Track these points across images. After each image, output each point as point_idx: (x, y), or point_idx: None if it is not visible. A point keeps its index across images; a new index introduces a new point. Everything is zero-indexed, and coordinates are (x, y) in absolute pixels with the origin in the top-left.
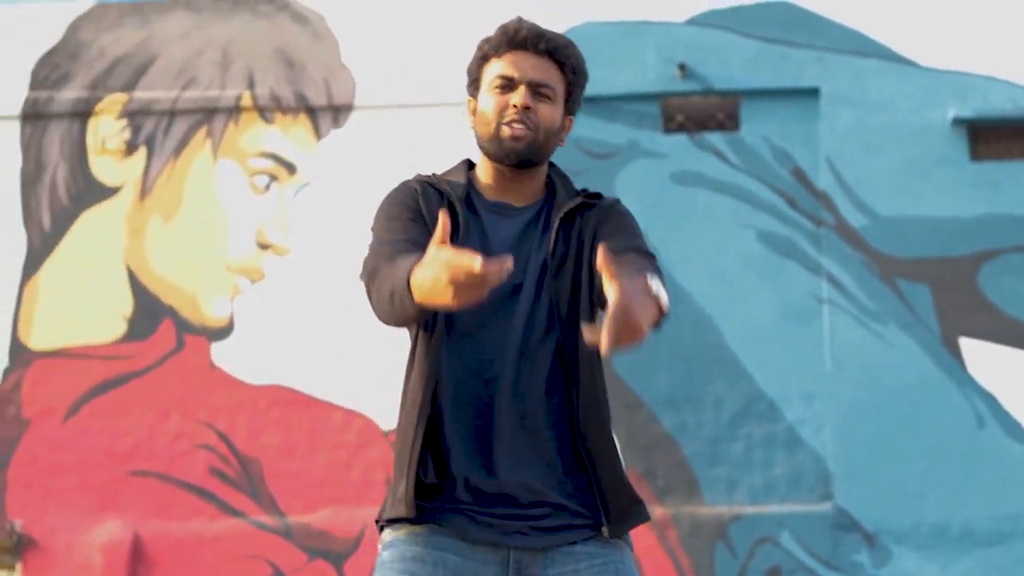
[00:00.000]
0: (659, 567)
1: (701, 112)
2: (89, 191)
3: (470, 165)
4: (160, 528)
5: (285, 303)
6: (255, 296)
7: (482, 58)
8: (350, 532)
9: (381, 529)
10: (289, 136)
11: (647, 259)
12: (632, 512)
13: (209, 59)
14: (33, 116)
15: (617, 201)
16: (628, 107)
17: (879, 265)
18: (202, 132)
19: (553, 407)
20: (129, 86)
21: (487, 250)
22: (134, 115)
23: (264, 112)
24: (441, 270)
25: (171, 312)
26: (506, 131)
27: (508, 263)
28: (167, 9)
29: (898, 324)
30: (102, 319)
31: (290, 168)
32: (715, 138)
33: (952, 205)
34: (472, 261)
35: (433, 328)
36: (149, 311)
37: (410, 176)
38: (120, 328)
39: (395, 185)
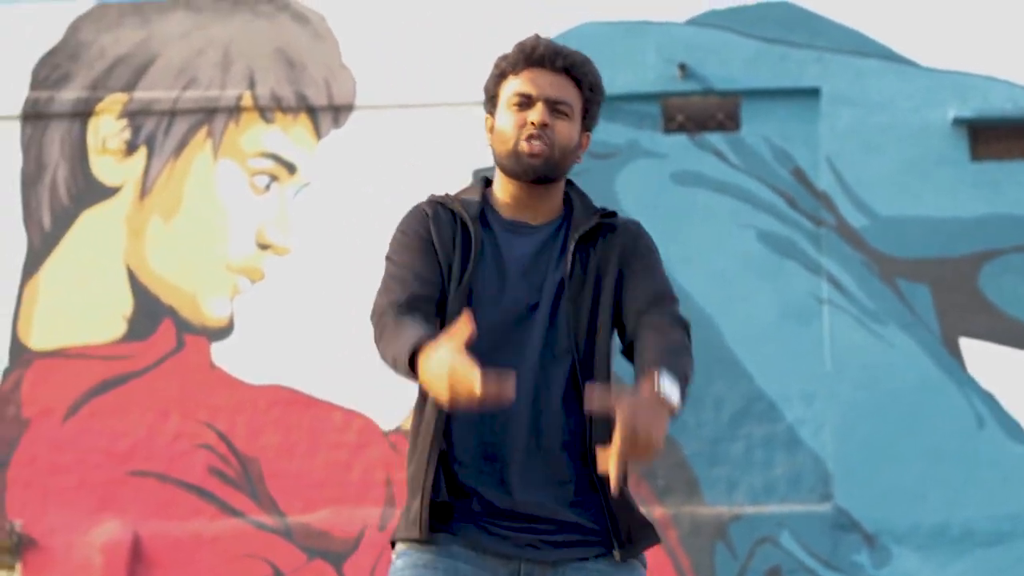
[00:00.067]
0: (659, 567)
1: (701, 112)
2: (89, 191)
3: (487, 183)
4: (160, 528)
5: (285, 303)
6: (255, 296)
7: (499, 75)
8: (350, 532)
9: (393, 544)
10: (289, 136)
11: (671, 324)
12: (643, 534)
13: (209, 59)
14: (33, 116)
15: (638, 226)
16: (628, 107)
17: (879, 265)
18: (202, 132)
19: (567, 428)
20: (129, 86)
21: (501, 269)
22: (134, 115)
23: (264, 112)
24: (445, 376)
25: (171, 312)
26: (524, 147)
27: (509, 391)
28: (167, 9)
29: (898, 324)
30: (102, 319)
31: (290, 168)
32: (715, 138)
33: (952, 205)
34: (475, 382)
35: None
36: (149, 311)
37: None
38: (120, 328)
39: (409, 208)
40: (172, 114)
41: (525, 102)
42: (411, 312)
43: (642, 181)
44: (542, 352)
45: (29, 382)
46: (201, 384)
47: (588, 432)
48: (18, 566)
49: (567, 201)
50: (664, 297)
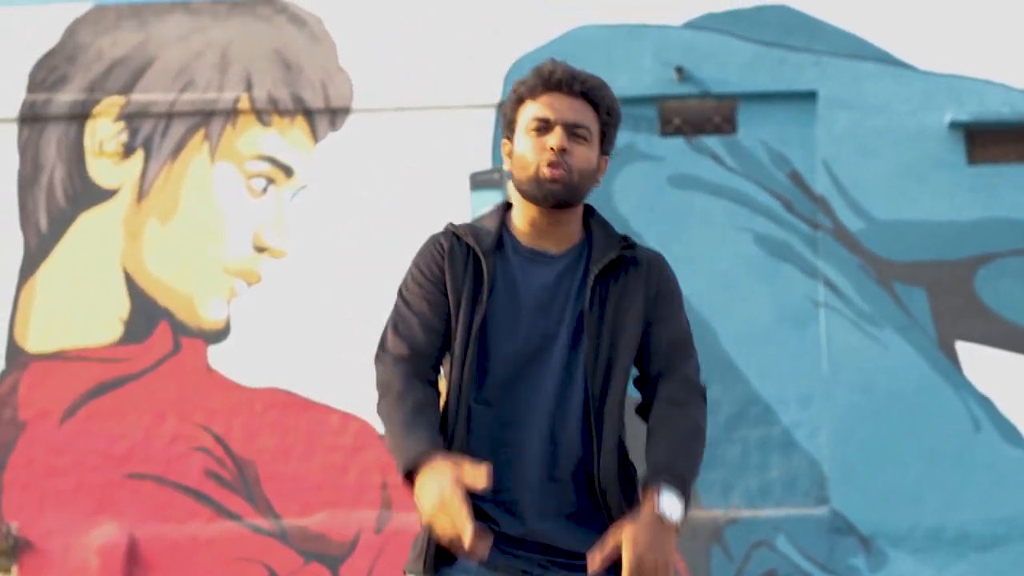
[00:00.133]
0: None
1: (698, 115)
2: (86, 193)
3: (507, 206)
4: (156, 531)
5: (282, 306)
6: (252, 299)
7: (517, 100)
8: (346, 535)
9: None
10: (286, 139)
11: (686, 398)
12: None
13: (207, 61)
14: (31, 118)
15: (661, 261)
16: (625, 110)
17: (876, 269)
18: (199, 135)
19: (580, 460)
20: (127, 88)
21: (516, 302)
22: (132, 117)
23: (261, 115)
24: (437, 511)
25: (168, 315)
26: (545, 172)
27: (484, 552)
28: (165, 12)
29: (894, 328)
30: (99, 321)
31: (287, 171)
32: (712, 141)
33: (949, 209)
34: (465, 532)
35: (462, 378)
36: (146, 313)
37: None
38: (117, 330)
39: (427, 238)
40: (169, 117)
41: (543, 127)
42: (415, 381)
43: (639, 184)
44: (559, 385)
45: (26, 385)
46: (198, 387)
47: (598, 466)
48: (14, 568)
49: (587, 227)
50: (685, 352)
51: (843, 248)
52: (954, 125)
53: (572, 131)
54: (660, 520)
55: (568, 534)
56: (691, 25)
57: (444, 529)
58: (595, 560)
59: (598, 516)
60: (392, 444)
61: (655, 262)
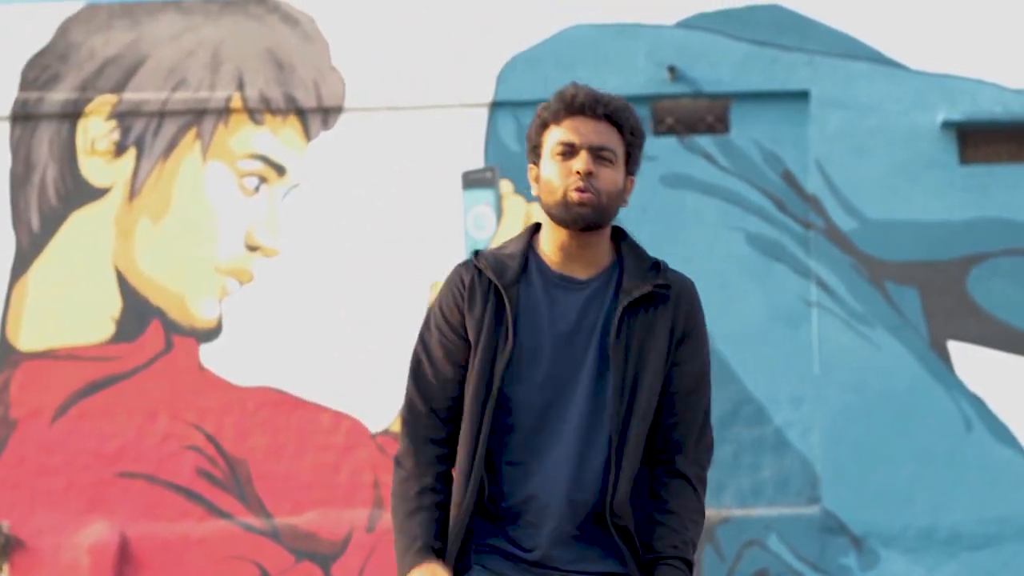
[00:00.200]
0: None
1: (691, 115)
2: (78, 192)
3: (536, 228)
4: (147, 529)
5: (274, 305)
6: (244, 298)
7: (541, 125)
8: (337, 534)
9: None
10: (278, 138)
11: (692, 477)
12: None
13: (199, 60)
14: (23, 117)
15: (692, 291)
16: None
17: (868, 268)
18: (191, 133)
19: (600, 490)
20: (119, 87)
21: (541, 331)
22: (124, 116)
23: (254, 114)
24: None
25: (159, 313)
26: (573, 196)
27: None
28: (157, 11)
29: (886, 327)
30: (90, 320)
31: (279, 170)
32: (705, 141)
33: (941, 208)
34: None
35: (485, 406)
36: (138, 312)
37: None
38: (108, 329)
39: (453, 268)
40: (161, 115)
41: (569, 151)
42: (425, 451)
43: None
44: (587, 415)
45: (17, 383)
46: (189, 386)
47: (613, 494)
48: (5, 567)
49: (617, 249)
50: (701, 410)
51: (835, 248)
52: (946, 125)
53: (597, 154)
54: None
55: (579, 558)
56: (684, 24)
57: None
58: None
59: (609, 543)
60: (396, 539)
61: (685, 295)
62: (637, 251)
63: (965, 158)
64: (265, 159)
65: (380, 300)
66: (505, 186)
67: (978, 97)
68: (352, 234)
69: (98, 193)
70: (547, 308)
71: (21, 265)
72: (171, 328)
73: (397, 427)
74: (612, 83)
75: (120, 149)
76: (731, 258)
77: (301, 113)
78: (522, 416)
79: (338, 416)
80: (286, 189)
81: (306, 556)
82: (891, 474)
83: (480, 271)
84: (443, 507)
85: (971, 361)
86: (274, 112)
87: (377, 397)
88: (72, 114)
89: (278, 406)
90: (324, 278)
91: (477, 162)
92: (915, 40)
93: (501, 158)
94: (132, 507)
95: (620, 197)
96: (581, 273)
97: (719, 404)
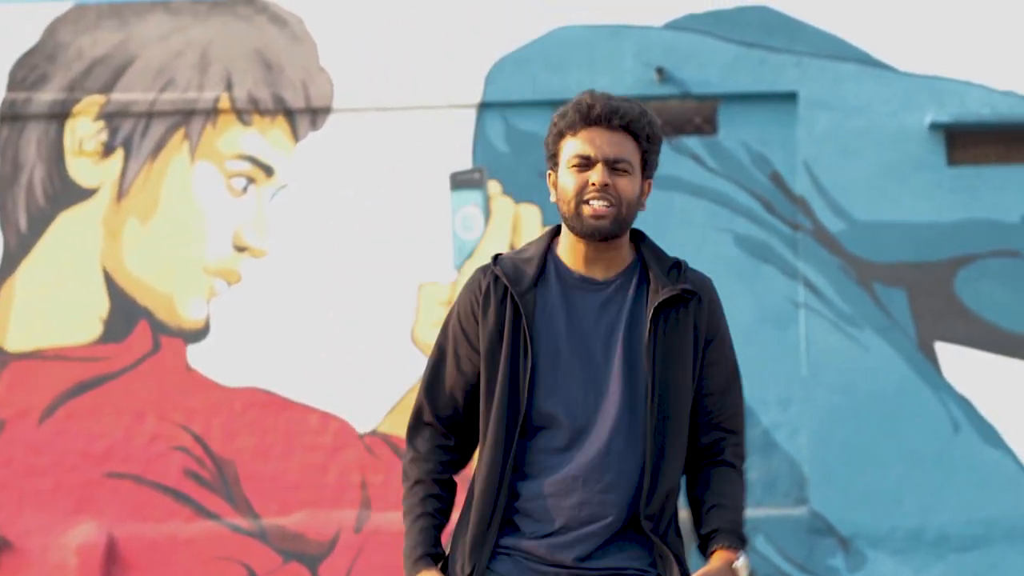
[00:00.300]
0: None
1: (679, 116)
2: (66, 192)
3: (558, 229)
4: (135, 530)
5: (262, 306)
6: (231, 298)
7: (558, 134)
8: (325, 535)
9: None
10: (267, 138)
11: (736, 460)
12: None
13: (187, 61)
14: (10, 117)
15: (712, 289)
16: None
17: (856, 269)
18: (180, 134)
19: (632, 495)
20: (107, 88)
21: (557, 336)
22: (112, 117)
23: (242, 114)
24: None
25: (147, 314)
26: (587, 210)
27: None
28: (145, 11)
29: (874, 329)
30: (78, 321)
31: (267, 170)
32: (693, 142)
33: (929, 210)
34: None
35: (511, 417)
36: (125, 313)
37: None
38: (96, 330)
39: (471, 274)
40: (149, 116)
41: (585, 164)
42: (432, 458)
43: None
44: (617, 419)
45: (5, 384)
46: (177, 386)
47: (649, 498)
48: None
49: (639, 252)
50: (738, 402)
51: (823, 249)
52: (934, 126)
53: (613, 166)
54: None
55: (595, 557)
56: (672, 26)
57: None
58: None
59: (642, 547)
60: (404, 542)
61: (706, 295)
62: (657, 252)
63: (953, 159)
64: (253, 160)
65: (368, 301)
66: (493, 187)
67: (966, 99)
68: (340, 235)
69: (86, 193)
70: (565, 312)
71: (9, 265)
72: (159, 328)
73: (385, 428)
74: (600, 84)
75: (108, 149)
76: (719, 259)
77: (289, 114)
78: (548, 422)
79: (326, 417)
80: (274, 190)
81: (293, 557)
82: (879, 475)
83: (497, 277)
84: (445, 513)
85: (959, 362)
86: (262, 113)
87: (365, 398)
88: (60, 114)
89: (266, 407)
90: (312, 279)
91: (465, 163)
92: (903, 42)
93: (489, 159)
94: (120, 508)
95: (638, 203)
96: (600, 274)
97: None
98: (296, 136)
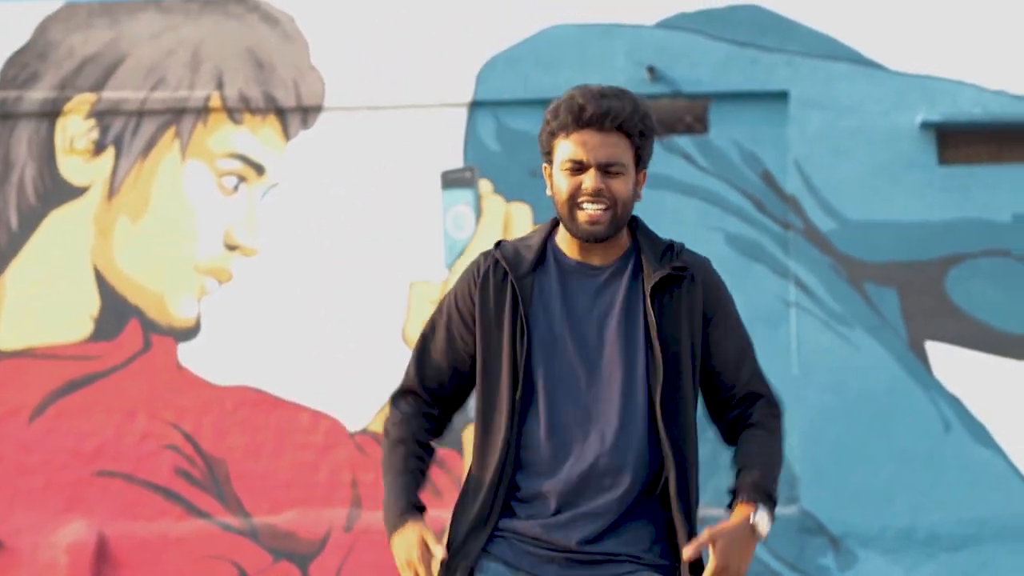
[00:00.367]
0: None
1: (670, 115)
2: (57, 191)
3: (557, 222)
4: (125, 529)
5: (252, 304)
6: (222, 297)
7: (550, 134)
8: (316, 533)
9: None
10: (258, 137)
11: (768, 418)
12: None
13: (178, 59)
14: (1, 115)
15: (709, 268)
16: None
17: (847, 269)
18: (170, 132)
19: (631, 476)
20: (98, 86)
21: (553, 321)
22: (103, 115)
23: (233, 113)
24: (404, 562)
25: (138, 312)
26: (582, 215)
27: None
28: (137, 9)
29: (865, 328)
30: (69, 319)
31: (259, 169)
32: (684, 141)
33: (920, 209)
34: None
35: (510, 400)
36: (116, 311)
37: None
38: (87, 328)
39: (477, 255)
40: (140, 114)
41: (578, 168)
42: (413, 423)
43: None
44: (614, 400)
45: None
46: (168, 385)
47: (667, 486)
48: None
49: (634, 238)
50: (754, 366)
51: (814, 248)
52: (926, 125)
53: (606, 169)
54: (751, 533)
55: (594, 540)
56: (663, 25)
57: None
58: (688, 551)
59: (645, 521)
60: (384, 500)
61: (702, 274)
62: (651, 236)
63: (944, 159)
64: (244, 158)
65: (359, 300)
66: (484, 186)
67: (958, 98)
68: (331, 234)
69: (77, 192)
70: (561, 297)
71: None
72: (149, 327)
73: (376, 427)
74: (591, 83)
75: (99, 148)
76: (710, 258)
77: (280, 112)
78: (547, 404)
79: (317, 415)
80: (265, 188)
81: (284, 555)
82: (869, 474)
83: (497, 261)
84: (425, 473)
85: (950, 362)
86: (253, 111)
87: (356, 397)
88: (51, 113)
89: (257, 405)
90: (303, 277)
91: (456, 162)
92: (895, 41)
93: (480, 158)
94: (110, 506)
95: (634, 198)
96: (597, 260)
97: (698, 404)
98: (287, 135)
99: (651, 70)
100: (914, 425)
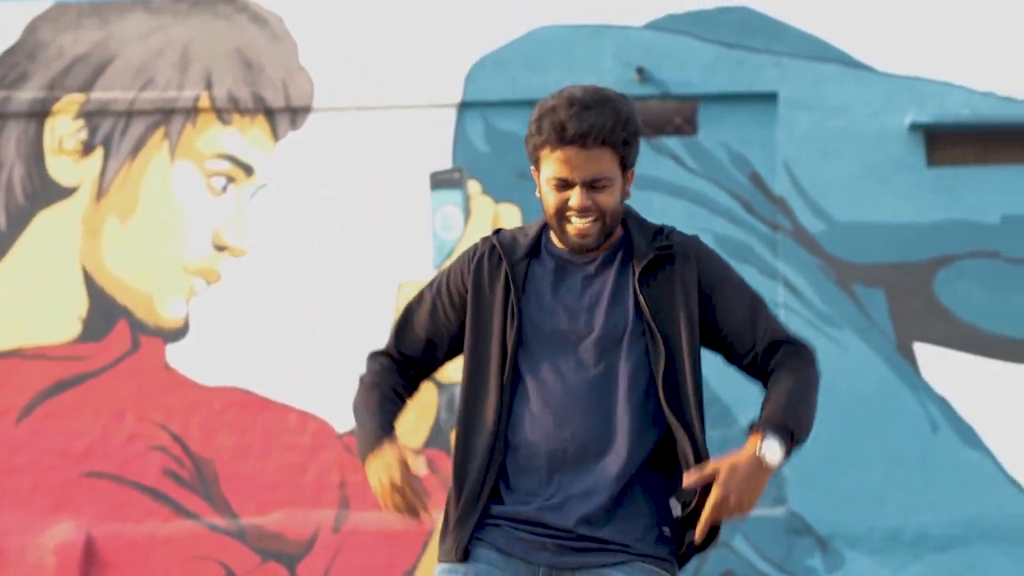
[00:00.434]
0: None
1: (659, 116)
2: (45, 191)
3: None
4: (113, 529)
5: (241, 305)
6: (211, 298)
7: (534, 147)
8: (303, 534)
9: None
10: (246, 137)
11: (798, 360)
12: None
13: (167, 60)
14: None
15: (698, 243)
16: None
17: (835, 270)
18: (159, 133)
19: (623, 463)
20: (87, 86)
21: (543, 307)
22: (91, 115)
23: (222, 113)
24: (389, 491)
25: (126, 313)
26: (571, 228)
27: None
28: (126, 10)
29: (853, 329)
30: (57, 320)
31: (247, 170)
32: (672, 142)
33: (908, 210)
34: (419, 506)
35: (501, 387)
36: (104, 312)
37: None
38: (75, 329)
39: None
40: (129, 115)
41: (563, 184)
42: (388, 376)
43: None
44: (601, 384)
45: None
46: (156, 385)
47: (636, 450)
48: None
49: (624, 224)
50: (767, 318)
51: (803, 249)
52: (914, 127)
53: (592, 185)
54: (759, 462)
55: (585, 523)
56: (652, 26)
57: (398, 505)
58: (690, 479)
59: (640, 506)
60: (357, 435)
61: (692, 250)
62: (641, 222)
63: (933, 160)
64: (233, 159)
65: (348, 300)
66: (473, 187)
67: (946, 100)
68: (320, 234)
69: (65, 192)
70: (552, 284)
71: None
72: (138, 328)
73: None
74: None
75: (88, 148)
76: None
77: (269, 113)
78: (535, 388)
79: (305, 416)
80: (254, 189)
81: (272, 556)
82: (857, 476)
83: (494, 247)
84: (398, 420)
85: (938, 363)
86: (242, 112)
87: (344, 398)
88: (40, 113)
89: (245, 406)
90: (292, 278)
91: (445, 163)
92: (883, 42)
93: (469, 159)
94: (98, 507)
95: (622, 200)
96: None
97: None
98: (276, 135)
99: (640, 71)
100: (902, 426)
